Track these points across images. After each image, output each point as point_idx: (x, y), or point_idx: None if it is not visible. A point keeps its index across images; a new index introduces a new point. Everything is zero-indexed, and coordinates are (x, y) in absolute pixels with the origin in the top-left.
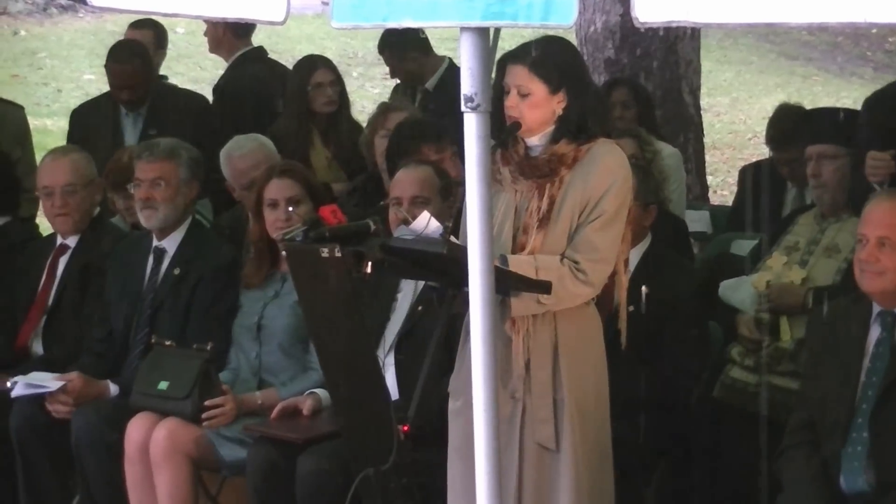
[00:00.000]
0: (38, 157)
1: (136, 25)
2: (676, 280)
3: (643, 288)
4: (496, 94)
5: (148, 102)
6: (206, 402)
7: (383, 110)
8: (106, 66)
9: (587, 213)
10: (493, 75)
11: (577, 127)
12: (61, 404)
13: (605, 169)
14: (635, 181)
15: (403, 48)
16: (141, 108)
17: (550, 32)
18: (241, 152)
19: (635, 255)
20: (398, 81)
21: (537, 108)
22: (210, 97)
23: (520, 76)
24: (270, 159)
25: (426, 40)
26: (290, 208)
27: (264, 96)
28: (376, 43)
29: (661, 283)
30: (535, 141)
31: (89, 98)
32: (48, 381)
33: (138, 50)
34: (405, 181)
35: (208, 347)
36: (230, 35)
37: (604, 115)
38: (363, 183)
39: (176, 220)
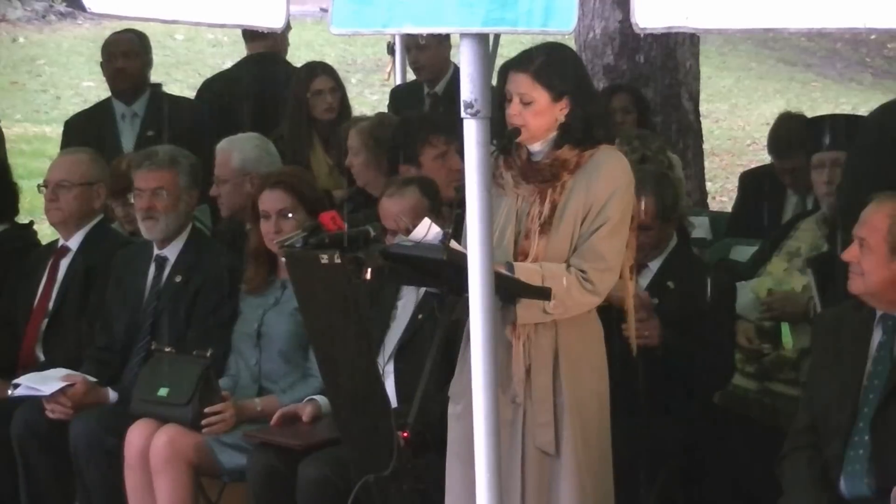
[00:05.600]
0: (38, 164)
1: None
2: (703, 278)
3: (669, 283)
4: (498, 100)
5: (145, 101)
6: (206, 409)
7: (345, 127)
8: (103, 48)
9: (591, 220)
10: (495, 82)
11: (579, 133)
12: (59, 405)
13: (608, 175)
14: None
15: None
16: (137, 100)
17: (550, 39)
18: (220, 147)
19: (661, 257)
20: (396, 86)
21: (540, 115)
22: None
23: (522, 84)
24: (237, 165)
25: None
26: (288, 216)
27: (247, 99)
28: (375, 49)
29: (689, 280)
30: (538, 147)
31: (88, 105)
32: (52, 382)
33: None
34: (394, 211)
35: (208, 354)
36: (243, 38)
37: (607, 121)
38: (357, 191)
39: (177, 229)
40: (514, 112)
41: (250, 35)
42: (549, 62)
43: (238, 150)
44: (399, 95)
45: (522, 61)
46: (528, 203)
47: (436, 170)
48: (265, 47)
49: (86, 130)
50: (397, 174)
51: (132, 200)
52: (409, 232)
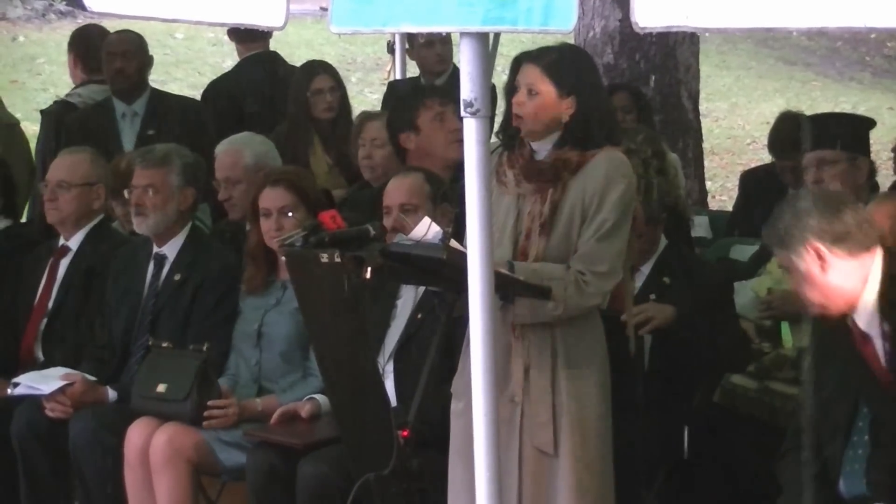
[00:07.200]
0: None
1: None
2: (700, 269)
3: (665, 279)
4: (508, 93)
5: (145, 100)
6: (210, 403)
7: (360, 121)
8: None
9: (590, 222)
10: (507, 75)
11: (583, 134)
12: (59, 404)
13: (610, 177)
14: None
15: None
16: (137, 99)
17: (550, 38)
18: (222, 148)
19: (651, 259)
20: (394, 80)
21: (544, 109)
22: None
23: (532, 75)
24: (250, 163)
25: None
26: (289, 214)
27: (253, 99)
28: (376, 48)
29: (685, 274)
30: (540, 145)
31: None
32: (52, 381)
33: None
34: (394, 190)
35: (204, 348)
36: (232, 41)
37: (612, 124)
38: (359, 190)
39: (170, 227)
40: (520, 101)
41: (243, 37)
42: (562, 59)
43: (248, 147)
44: (396, 90)
45: (536, 54)
46: (530, 202)
47: (434, 131)
48: (252, 49)
49: (86, 130)
50: (398, 147)
51: (128, 197)
52: (403, 230)
